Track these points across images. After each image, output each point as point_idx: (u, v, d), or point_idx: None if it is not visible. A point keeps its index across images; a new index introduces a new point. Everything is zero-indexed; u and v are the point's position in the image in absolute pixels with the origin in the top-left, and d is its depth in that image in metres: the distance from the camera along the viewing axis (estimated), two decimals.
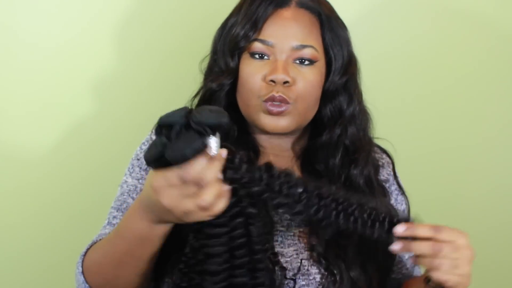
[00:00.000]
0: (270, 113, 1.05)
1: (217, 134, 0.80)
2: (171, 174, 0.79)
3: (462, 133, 1.67)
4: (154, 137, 1.10)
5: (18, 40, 1.51)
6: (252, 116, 1.08)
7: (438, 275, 0.89)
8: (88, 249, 1.02)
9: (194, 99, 1.15)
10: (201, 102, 1.12)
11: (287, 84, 1.04)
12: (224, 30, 1.11)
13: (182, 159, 0.78)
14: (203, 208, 0.80)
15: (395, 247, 0.88)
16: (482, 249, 1.69)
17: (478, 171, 1.68)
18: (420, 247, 0.87)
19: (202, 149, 0.78)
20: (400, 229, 0.87)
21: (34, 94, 1.52)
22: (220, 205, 0.81)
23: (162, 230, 0.89)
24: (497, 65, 1.65)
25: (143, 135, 1.18)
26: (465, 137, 1.67)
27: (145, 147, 1.14)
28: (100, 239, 1.04)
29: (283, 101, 1.04)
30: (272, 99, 1.04)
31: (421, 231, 0.88)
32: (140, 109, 1.56)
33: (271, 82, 1.04)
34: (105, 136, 1.57)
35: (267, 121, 1.06)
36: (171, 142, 0.79)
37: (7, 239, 1.56)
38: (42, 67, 1.52)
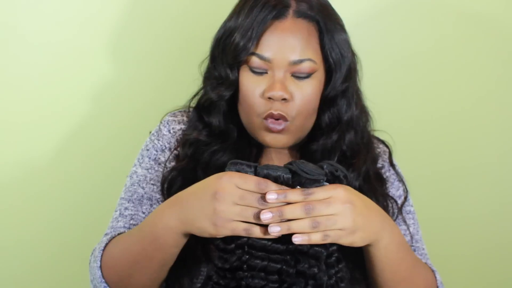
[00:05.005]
0: (271, 130, 1.05)
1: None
2: (248, 178, 0.85)
3: (463, 133, 1.67)
4: (162, 128, 1.15)
5: (18, 41, 1.52)
6: (253, 132, 1.08)
7: (317, 237, 0.85)
8: (107, 243, 1.01)
9: (192, 100, 1.16)
10: (202, 108, 1.12)
11: (285, 101, 1.03)
12: (223, 35, 1.08)
13: (271, 176, 0.85)
14: (250, 232, 0.86)
15: (265, 216, 0.84)
16: (482, 245, 1.71)
17: (478, 171, 1.68)
18: (292, 210, 0.84)
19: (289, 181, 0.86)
20: (271, 197, 0.84)
21: (34, 95, 1.53)
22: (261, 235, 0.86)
23: (177, 241, 0.92)
24: (499, 65, 1.66)
25: (144, 135, 1.19)
26: (466, 137, 1.67)
27: (154, 138, 1.15)
28: (119, 233, 1.04)
29: (281, 118, 1.04)
30: (271, 116, 1.04)
31: (292, 196, 0.85)
32: (140, 110, 1.56)
33: (269, 99, 1.03)
34: (105, 138, 1.58)
35: (268, 138, 1.06)
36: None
37: (11, 242, 1.56)
38: (42, 69, 1.53)
